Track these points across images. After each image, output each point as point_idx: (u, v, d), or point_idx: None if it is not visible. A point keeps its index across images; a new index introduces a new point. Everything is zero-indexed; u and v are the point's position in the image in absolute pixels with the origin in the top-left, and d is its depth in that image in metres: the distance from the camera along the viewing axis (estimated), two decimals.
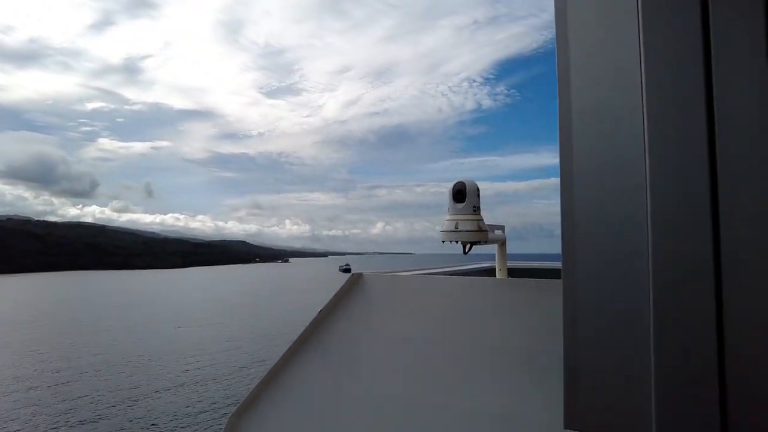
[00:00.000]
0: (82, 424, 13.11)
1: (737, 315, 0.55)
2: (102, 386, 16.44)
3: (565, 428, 0.68)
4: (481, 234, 1.88)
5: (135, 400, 15.01)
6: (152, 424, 13.07)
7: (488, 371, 1.82)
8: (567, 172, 0.69)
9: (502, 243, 2.20)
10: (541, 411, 1.58)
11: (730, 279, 0.56)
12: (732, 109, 0.57)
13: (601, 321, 0.65)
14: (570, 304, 0.68)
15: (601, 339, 0.65)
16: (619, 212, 0.65)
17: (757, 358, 0.54)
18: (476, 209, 1.92)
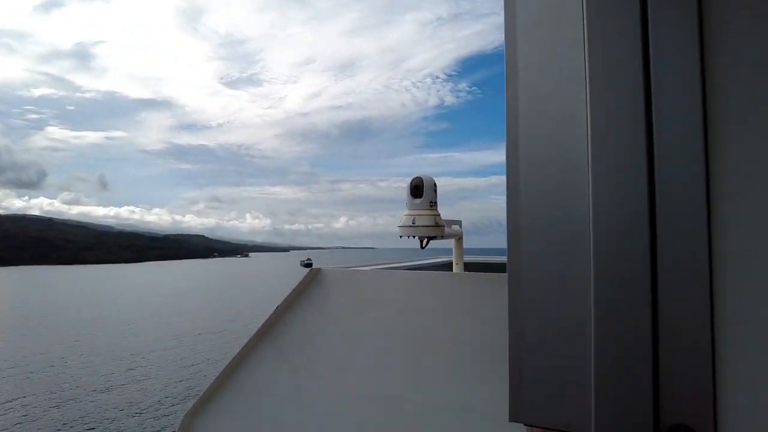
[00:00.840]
0: (5, 430, 12.15)
1: (671, 313, 0.58)
2: (36, 389, 15.28)
3: (510, 421, 0.69)
4: (437, 229, 1.90)
5: (73, 401, 14.09)
6: (90, 429, 12.32)
7: (445, 365, 1.84)
8: (513, 169, 0.70)
9: (459, 238, 2.23)
10: (493, 404, 1.61)
11: (665, 277, 0.58)
12: (668, 108, 0.60)
13: (544, 318, 0.67)
14: (514, 302, 0.69)
15: (543, 336, 0.66)
16: (562, 211, 0.66)
17: (688, 354, 0.57)
18: (433, 204, 1.93)
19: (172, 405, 13.79)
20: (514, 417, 0.68)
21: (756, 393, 0.54)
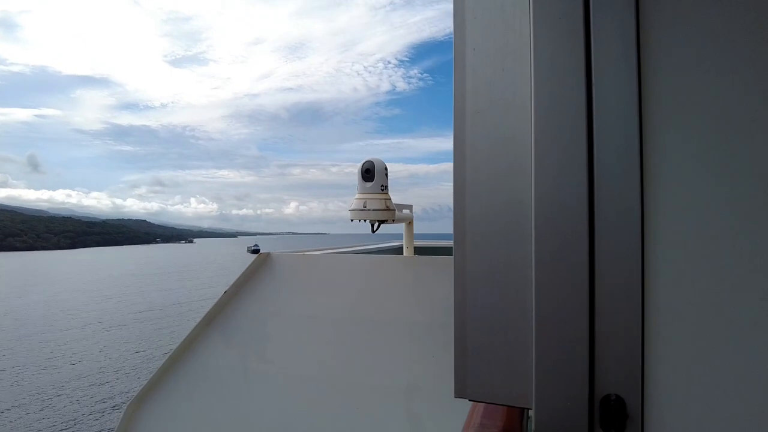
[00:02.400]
0: None
1: (606, 295, 0.62)
2: None
3: (456, 397, 0.71)
4: (388, 213, 1.90)
5: None
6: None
7: (393, 345, 1.88)
8: (459, 154, 0.72)
9: (410, 222, 2.25)
10: (440, 380, 1.67)
11: (602, 260, 0.62)
12: (607, 96, 0.63)
13: (488, 299, 0.69)
14: (460, 283, 0.71)
15: (487, 316, 0.69)
16: (506, 196, 0.69)
17: (620, 332, 0.61)
18: (384, 188, 1.93)
19: (91, 396, 12.99)
20: (459, 393, 0.71)
21: (678, 366, 0.59)
